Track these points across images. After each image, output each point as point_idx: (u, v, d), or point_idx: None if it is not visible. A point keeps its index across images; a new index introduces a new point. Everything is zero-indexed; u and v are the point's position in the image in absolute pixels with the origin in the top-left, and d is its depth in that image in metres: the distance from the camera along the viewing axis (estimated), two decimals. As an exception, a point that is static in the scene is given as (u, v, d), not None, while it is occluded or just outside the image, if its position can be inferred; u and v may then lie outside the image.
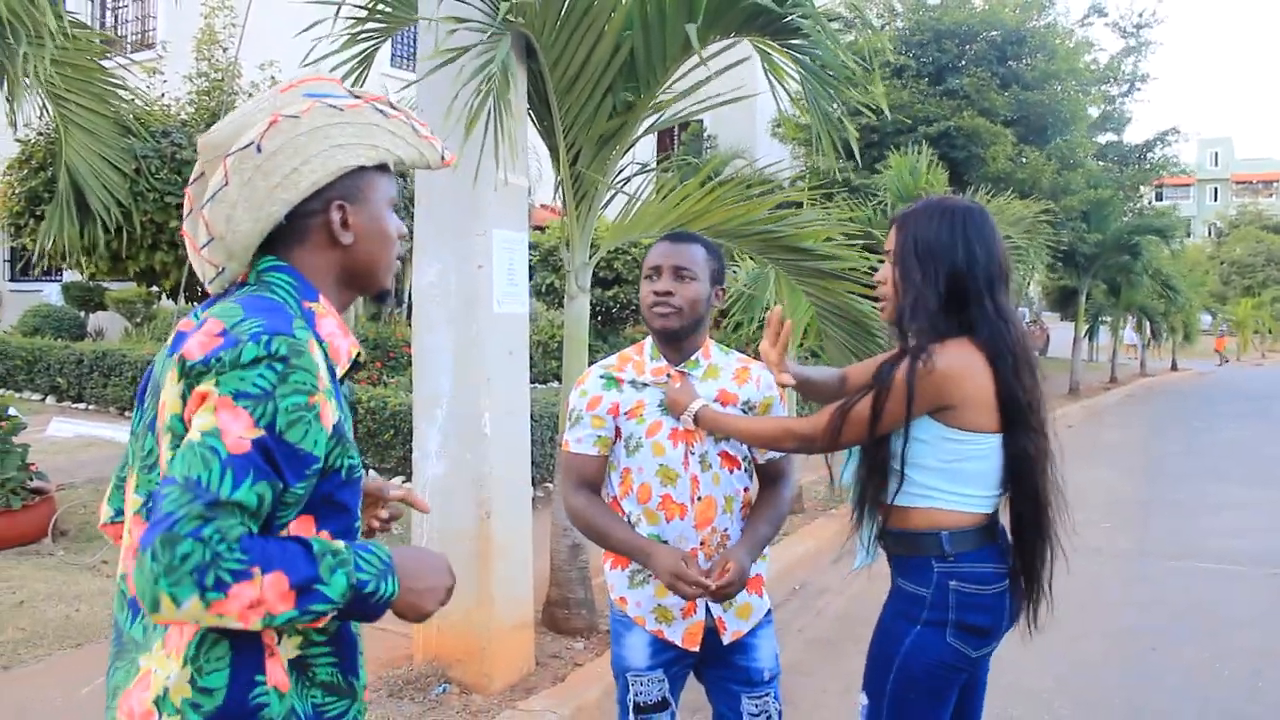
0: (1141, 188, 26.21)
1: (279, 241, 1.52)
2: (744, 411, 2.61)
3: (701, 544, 2.54)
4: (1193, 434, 15.85)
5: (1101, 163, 23.82)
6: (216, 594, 1.24)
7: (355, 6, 5.09)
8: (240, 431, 1.31)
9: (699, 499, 2.55)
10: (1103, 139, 25.26)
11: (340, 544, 1.38)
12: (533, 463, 4.87)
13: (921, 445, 2.27)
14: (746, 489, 2.64)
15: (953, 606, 2.26)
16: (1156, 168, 25.20)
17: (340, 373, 1.54)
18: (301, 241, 1.54)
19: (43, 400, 12.10)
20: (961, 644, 2.27)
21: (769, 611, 2.69)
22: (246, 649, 1.41)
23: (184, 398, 1.38)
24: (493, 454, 4.29)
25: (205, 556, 1.23)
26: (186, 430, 1.35)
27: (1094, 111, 23.60)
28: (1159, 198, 41.49)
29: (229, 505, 1.27)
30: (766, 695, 2.62)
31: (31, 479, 6.32)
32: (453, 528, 4.30)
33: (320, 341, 1.48)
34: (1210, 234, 68.33)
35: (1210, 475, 11.47)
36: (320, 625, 1.40)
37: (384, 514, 1.83)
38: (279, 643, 1.45)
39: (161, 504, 1.26)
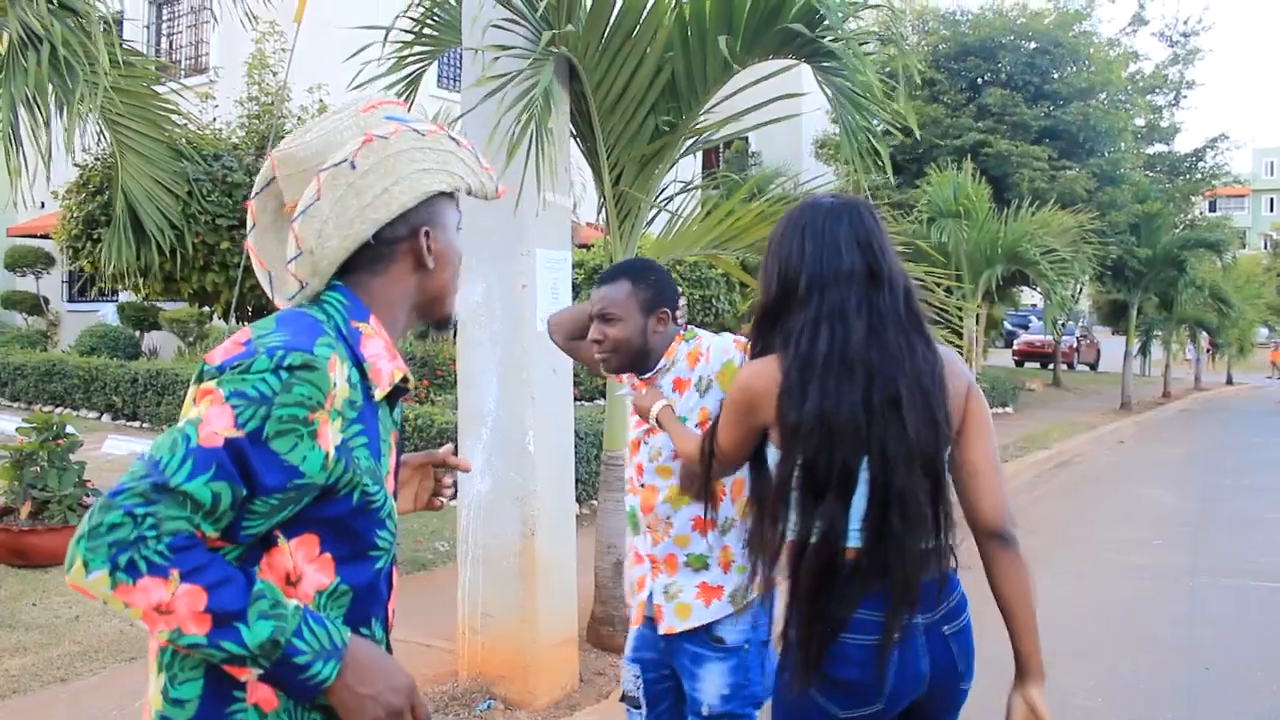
0: (1193, 198, 25.84)
1: (356, 266, 1.50)
2: (698, 389, 2.65)
3: (649, 527, 2.70)
4: (1248, 449, 15.54)
5: (1151, 174, 23.55)
6: (125, 577, 1.21)
7: (402, 30, 5.19)
8: (219, 427, 1.28)
9: (643, 485, 2.72)
10: (1152, 149, 24.99)
11: (293, 602, 1.32)
12: (577, 480, 4.91)
13: (769, 470, 2.07)
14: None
15: None
16: (1208, 178, 24.83)
17: (379, 394, 1.49)
18: (386, 264, 1.52)
19: (99, 418, 12.36)
20: (825, 699, 1.96)
21: (729, 652, 2.62)
22: None
23: (195, 401, 1.35)
24: (537, 471, 4.32)
25: (129, 534, 1.21)
26: None
27: (1140, 122, 23.38)
28: (1212, 208, 40.79)
29: (177, 493, 1.24)
30: None
31: (88, 495, 6.46)
32: (497, 544, 4.34)
33: (361, 361, 1.46)
34: (1266, 245, 66.99)
35: (1264, 492, 11.24)
36: (241, 676, 1.32)
37: (447, 480, 1.83)
38: None
39: (123, 475, 1.26)
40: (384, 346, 1.51)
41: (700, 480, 2.38)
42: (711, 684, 2.62)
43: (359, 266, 1.50)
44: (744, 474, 2.41)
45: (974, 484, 2.02)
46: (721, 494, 2.64)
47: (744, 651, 2.64)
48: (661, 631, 2.67)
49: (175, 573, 1.22)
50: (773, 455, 2.05)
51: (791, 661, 1.98)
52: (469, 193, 1.59)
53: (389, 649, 1.55)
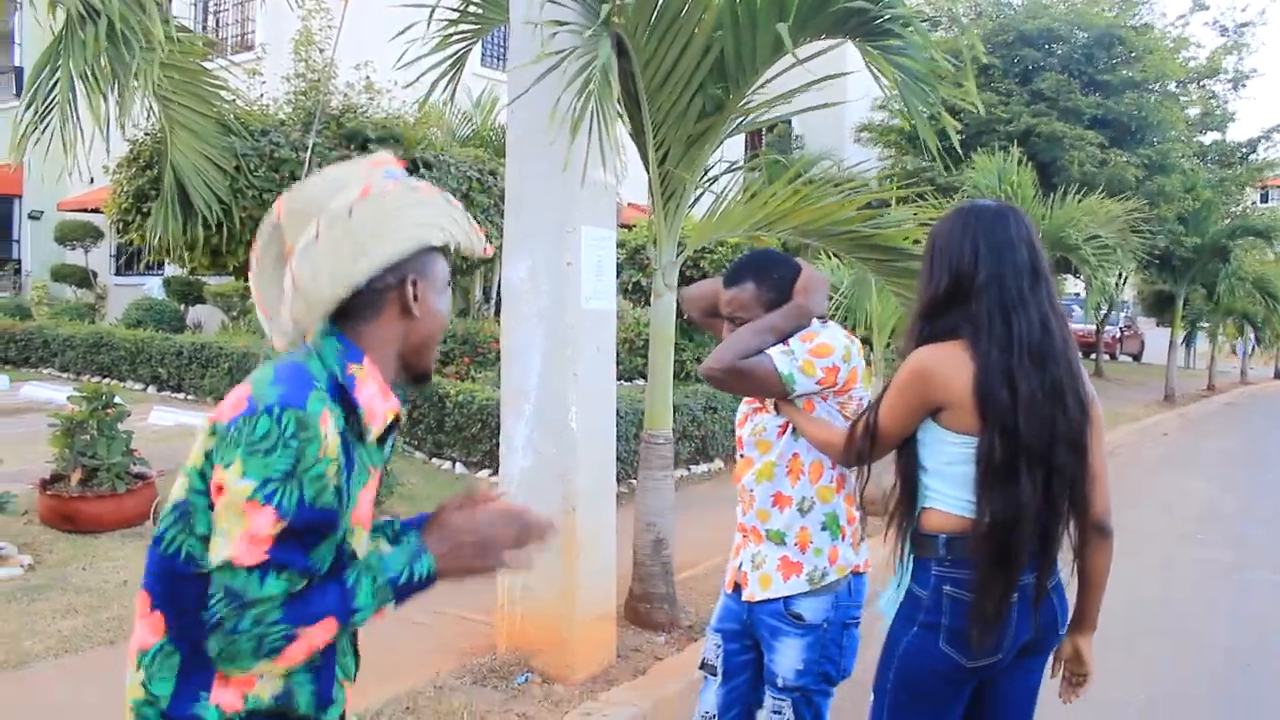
0: (1245, 188, 25.40)
1: (349, 312, 1.61)
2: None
3: (740, 497, 2.85)
4: (1295, 444, 15.29)
5: (1202, 163, 23.17)
6: (274, 655, 1.46)
7: (447, 9, 5.20)
8: (264, 529, 1.44)
9: (741, 456, 2.87)
10: (1205, 138, 24.60)
11: (372, 554, 1.58)
12: (617, 458, 4.91)
13: (924, 447, 2.31)
14: (796, 455, 2.72)
15: (946, 611, 2.24)
16: (1261, 169, 24.39)
17: (375, 434, 1.63)
18: (375, 311, 1.62)
19: (145, 390, 12.53)
20: (954, 651, 2.23)
21: (807, 629, 2.69)
22: (195, 667, 1.54)
23: (207, 455, 1.52)
24: (579, 449, 4.35)
25: (253, 643, 1.44)
26: (204, 483, 1.52)
27: (1193, 111, 23.01)
28: (1264, 199, 39.99)
29: (262, 600, 1.44)
30: (783, 701, 2.73)
31: (135, 464, 6.56)
32: (538, 520, 4.36)
33: (356, 408, 1.59)
34: (1319, 237, 65.53)
35: (1313, 487, 11.06)
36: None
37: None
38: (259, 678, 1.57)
39: (211, 606, 1.45)
40: (378, 388, 1.64)
41: (853, 458, 2.49)
42: (787, 658, 2.70)
43: (351, 312, 1.61)
44: (820, 456, 2.67)
45: (1089, 483, 2.25)
46: (800, 474, 2.72)
47: (822, 630, 2.70)
48: (744, 598, 2.79)
49: (299, 629, 1.46)
50: (935, 435, 2.27)
51: (975, 624, 2.19)
52: (457, 249, 1.69)
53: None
